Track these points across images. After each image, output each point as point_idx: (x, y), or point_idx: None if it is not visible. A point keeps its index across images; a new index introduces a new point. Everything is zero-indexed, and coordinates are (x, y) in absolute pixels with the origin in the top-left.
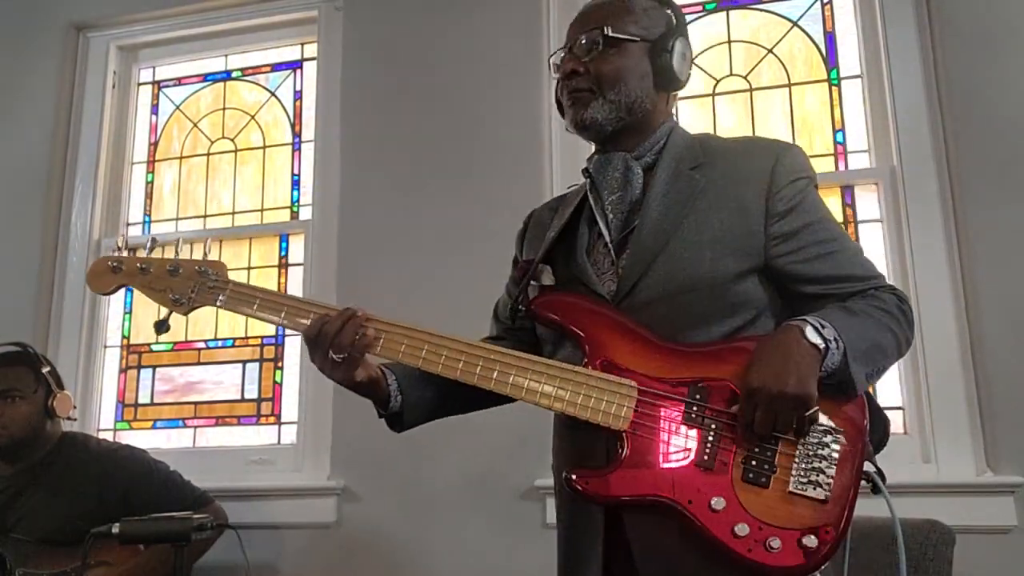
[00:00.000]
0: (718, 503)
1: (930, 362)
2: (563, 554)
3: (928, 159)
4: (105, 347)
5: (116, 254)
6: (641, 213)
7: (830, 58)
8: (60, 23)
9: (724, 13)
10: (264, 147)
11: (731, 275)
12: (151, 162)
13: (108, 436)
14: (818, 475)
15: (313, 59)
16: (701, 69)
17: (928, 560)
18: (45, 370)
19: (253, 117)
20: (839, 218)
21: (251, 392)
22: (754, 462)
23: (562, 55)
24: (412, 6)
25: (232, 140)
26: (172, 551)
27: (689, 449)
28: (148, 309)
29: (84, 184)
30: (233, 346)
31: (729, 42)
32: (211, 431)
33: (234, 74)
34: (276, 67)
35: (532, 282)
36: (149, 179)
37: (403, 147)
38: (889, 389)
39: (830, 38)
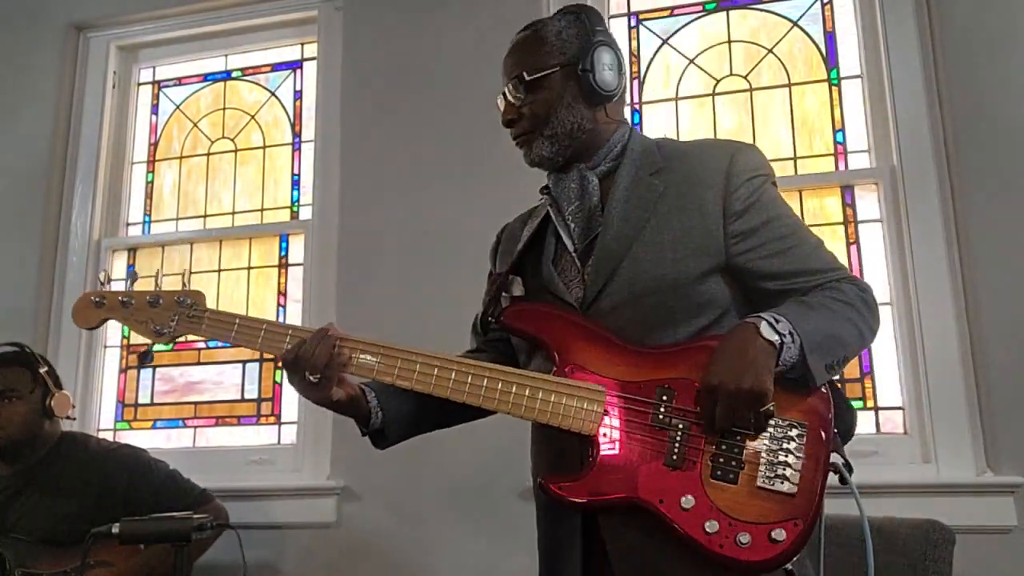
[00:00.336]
0: (687, 501)
1: (930, 362)
2: (543, 558)
3: (928, 159)
4: (105, 347)
5: (100, 289)
6: (603, 220)
7: (830, 58)
8: (60, 23)
9: (724, 13)
10: (264, 147)
11: (694, 276)
12: (151, 162)
13: (108, 436)
14: (785, 469)
15: (313, 59)
16: (701, 69)
17: (928, 560)
18: (43, 370)
19: (253, 117)
20: (839, 218)
21: (251, 392)
22: (722, 459)
23: (501, 101)
24: (412, 6)
25: (232, 140)
26: (172, 551)
27: (658, 449)
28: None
29: (84, 184)
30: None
31: (729, 42)
32: (211, 431)
33: (234, 74)
34: (276, 67)
35: (504, 293)
36: (149, 179)
37: (403, 147)
38: (889, 389)
39: (830, 38)
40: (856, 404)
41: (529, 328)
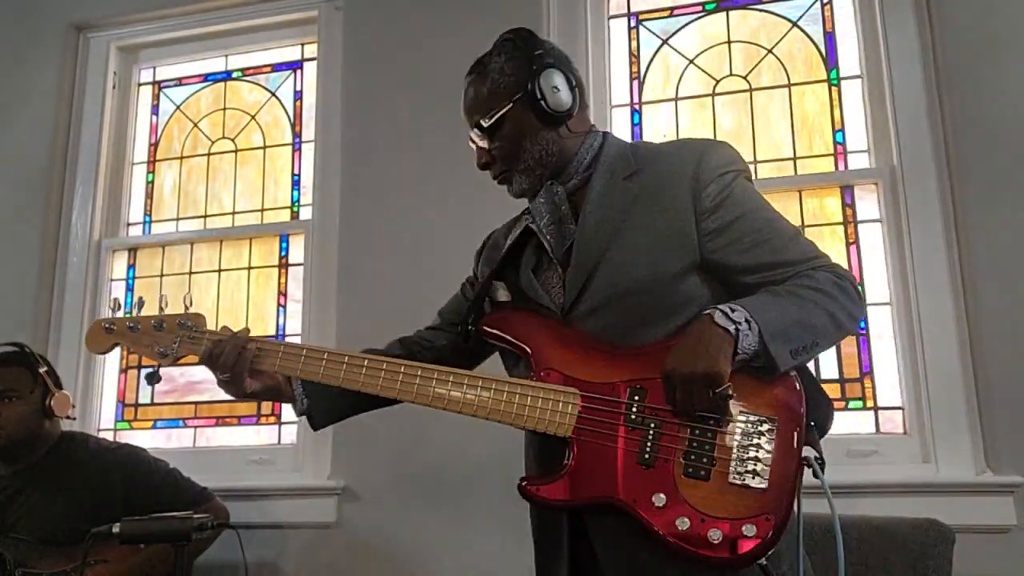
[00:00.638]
0: (659, 499)
1: (930, 362)
2: (537, 555)
3: (928, 159)
4: None
5: (109, 315)
6: (578, 227)
7: (830, 58)
8: (60, 23)
9: (724, 13)
10: (264, 147)
11: (670, 275)
12: (151, 162)
13: (108, 436)
14: (755, 464)
15: (313, 59)
16: (701, 69)
17: (928, 560)
18: (42, 370)
19: (253, 117)
20: (839, 218)
21: None
22: (693, 456)
23: (472, 146)
24: (412, 6)
25: (232, 140)
26: (172, 550)
27: (631, 449)
28: (149, 309)
29: (84, 184)
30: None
31: (729, 42)
32: (211, 431)
33: (234, 74)
34: (276, 67)
35: (488, 298)
36: (149, 179)
37: (403, 147)
38: (889, 389)
39: (830, 38)
40: (856, 404)
41: (505, 335)
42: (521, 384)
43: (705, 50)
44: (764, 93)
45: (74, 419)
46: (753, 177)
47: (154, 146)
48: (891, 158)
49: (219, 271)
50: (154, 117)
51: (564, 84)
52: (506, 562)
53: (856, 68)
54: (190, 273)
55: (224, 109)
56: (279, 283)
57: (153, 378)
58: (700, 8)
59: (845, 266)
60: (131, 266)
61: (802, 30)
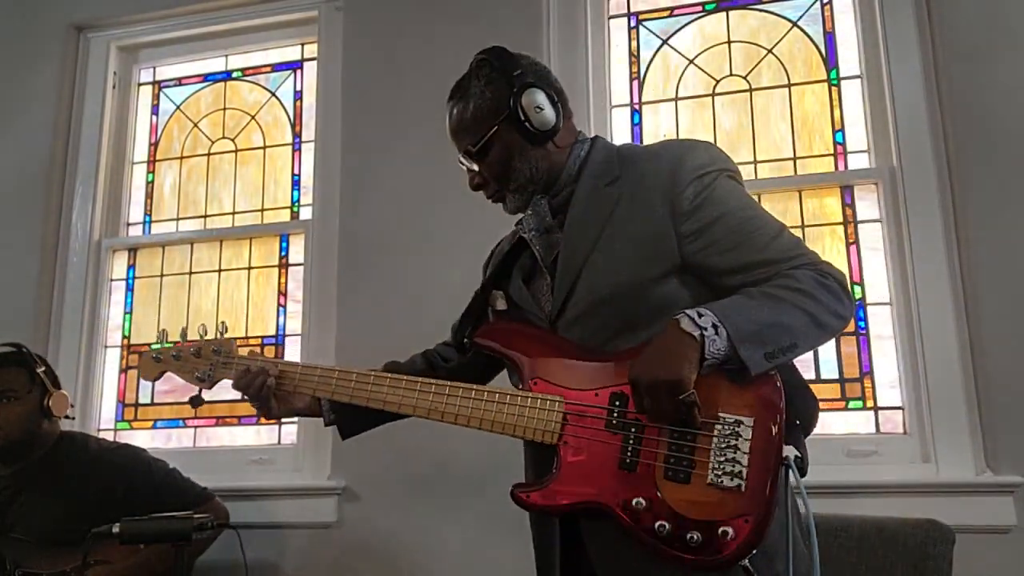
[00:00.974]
0: (640, 503)
1: (930, 362)
2: (536, 556)
3: (928, 159)
4: (105, 347)
5: (155, 347)
6: (563, 235)
7: (830, 58)
8: (60, 23)
9: (724, 13)
10: (264, 147)
11: (650, 280)
12: (151, 162)
13: (108, 436)
14: (733, 465)
15: (313, 59)
16: (701, 69)
17: (928, 560)
18: (40, 370)
19: (253, 117)
20: (839, 218)
21: None
22: (672, 459)
23: (464, 168)
24: (412, 6)
25: (232, 140)
26: (172, 550)
27: (613, 454)
28: (149, 309)
29: (84, 184)
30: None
31: (729, 42)
32: (211, 431)
33: (234, 74)
34: (276, 67)
35: (489, 307)
36: (149, 179)
37: (403, 147)
38: (889, 389)
39: (830, 38)
40: (856, 404)
41: (496, 346)
42: (509, 394)
43: (705, 50)
44: (764, 93)
45: (73, 419)
46: (742, 174)
47: (154, 146)
48: (891, 158)
49: (219, 271)
50: (154, 117)
51: (546, 102)
52: (506, 562)
53: (856, 68)
54: (190, 273)
55: (224, 109)
56: (279, 283)
57: (196, 402)
58: (700, 8)
59: (845, 266)
60: (131, 266)
61: (802, 30)
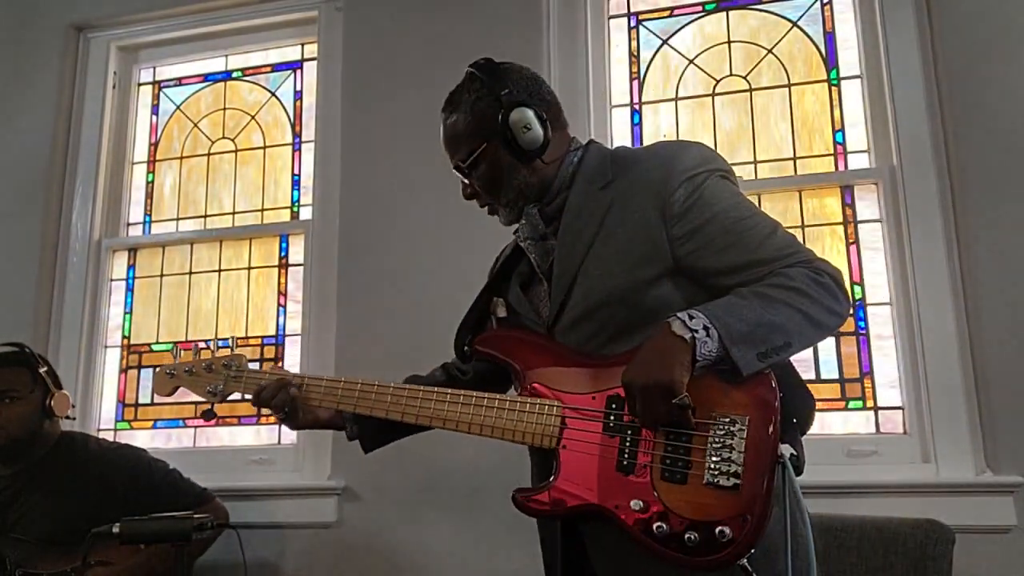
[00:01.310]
0: (637, 504)
1: (930, 362)
2: (543, 556)
3: (928, 159)
4: (105, 347)
5: (169, 363)
6: (558, 241)
7: (830, 58)
8: (60, 23)
9: (724, 13)
10: (264, 147)
11: (642, 283)
12: (151, 162)
13: (108, 436)
14: (729, 465)
15: (313, 59)
16: (701, 69)
17: (928, 560)
18: (42, 370)
19: (253, 117)
20: (839, 218)
21: None
22: (669, 460)
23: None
24: (412, 6)
25: (232, 140)
26: (172, 550)
27: (611, 456)
28: (149, 309)
29: (84, 184)
30: (234, 346)
31: (729, 42)
32: (211, 431)
33: (234, 74)
34: (276, 67)
35: (492, 315)
36: (149, 179)
37: (403, 147)
38: (889, 389)
39: (830, 38)
40: (856, 404)
41: (495, 353)
42: (508, 400)
43: (705, 50)
44: (764, 93)
45: (73, 419)
46: (735, 173)
47: (154, 146)
48: (891, 158)
49: (219, 271)
50: (154, 117)
51: (534, 120)
52: (506, 562)
53: (856, 68)
54: (190, 273)
55: (224, 109)
56: (279, 283)
57: (208, 415)
58: (700, 8)
59: (845, 266)
60: (131, 266)
61: (802, 30)
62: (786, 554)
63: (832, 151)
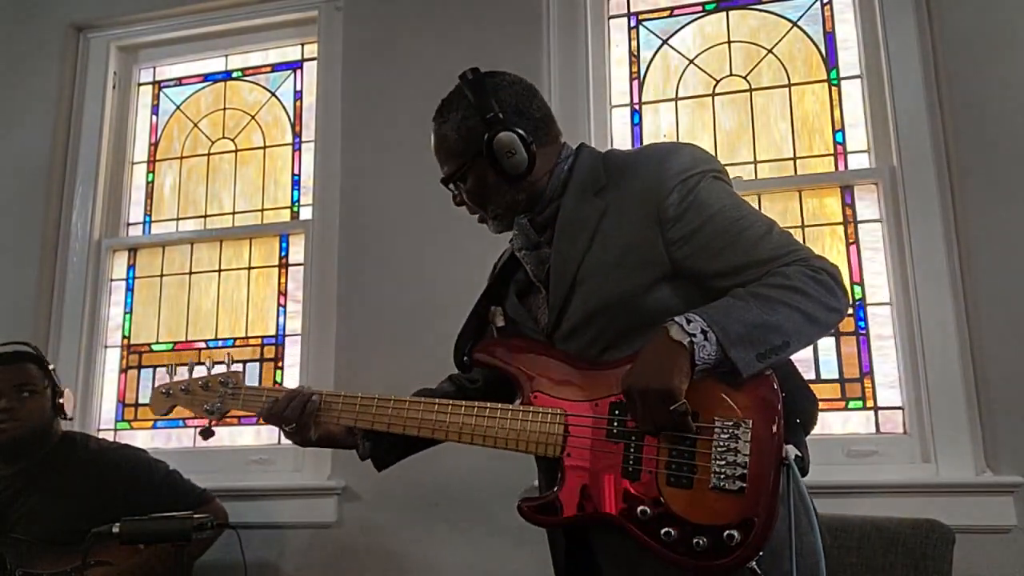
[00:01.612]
0: (644, 511)
1: (930, 362)
2: (552, 558)
3: (928, 159)
4: (105, 347)
5: (165, 382)
6: (553, 248)
7: (830, 58)
8: (60, 23)
9: (724, 13)
10: (264, 147)
11: (641, 288)
12: (151, 162)
13: (108, 436)
14: (734, 468)
15: (313, 59)
16: (701, 69)
17: (928, 560)
18: (51, 367)
19: (253, 117)
20: (839, 218)
21: None
22: (674, 465)
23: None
24: (412, 6)
25: (232, 140)
26: (172, 550)
27: (616, 463)
28: (149, 309)
29: (84, 184)
30: (234, 346)
31: (729, 42)
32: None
33: (234, 74)
34: (276, 67)
35: (491, 325)
36: (149, 179)
37: (403, 147)
38: (889, 389)
39: (830, 38)
40: (856, 404)
41: (495, 362)
42: (510, 409)
43: (705, 50)
44: (764, 93)
45: (73, 419)
46: (729, 173)
47: (154, 146)
48: (891, 158)
49: (219, 271)
50: (154, 117)
51: (518, 145)
52: (506, 563)
53: (856, 68)
54: (190, 273)
55: (224, 109)
56: (279, 283)
57: (207, 434)
58: (700, 8)
59: (845, 266)
60: (131, 266)
61: (802, 30)
62: (791, 555)
63: (832, 151)
